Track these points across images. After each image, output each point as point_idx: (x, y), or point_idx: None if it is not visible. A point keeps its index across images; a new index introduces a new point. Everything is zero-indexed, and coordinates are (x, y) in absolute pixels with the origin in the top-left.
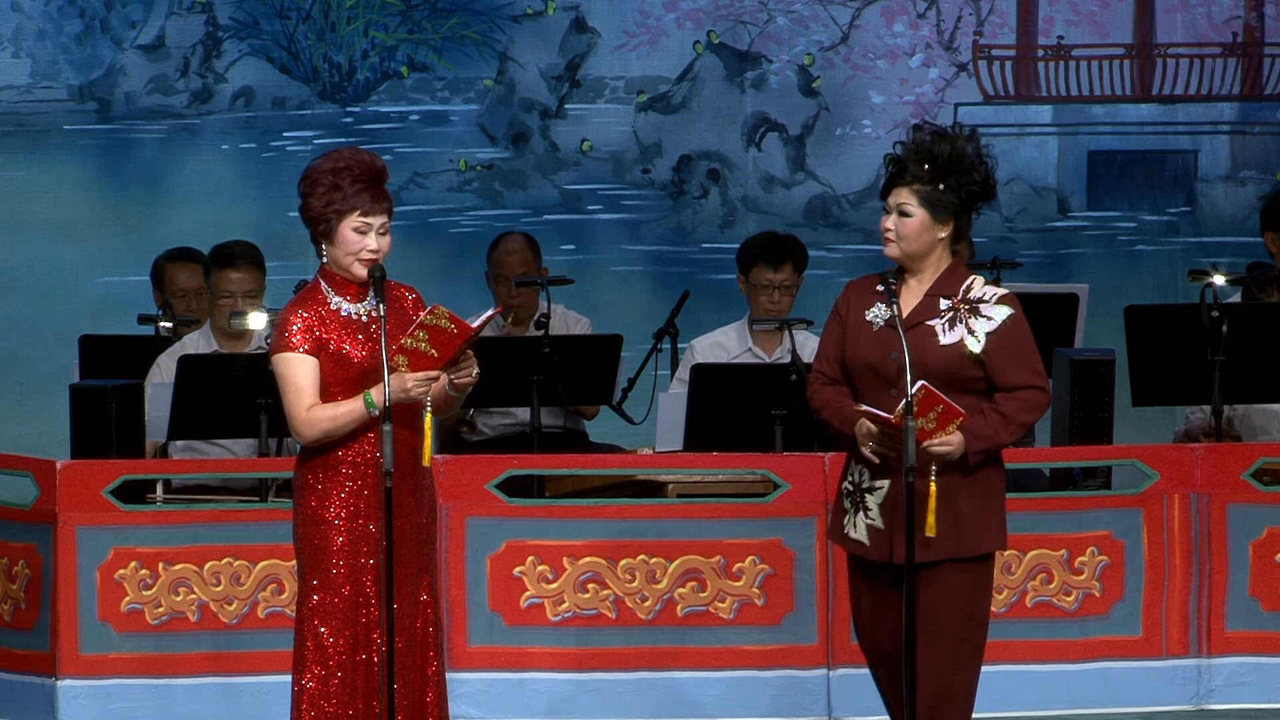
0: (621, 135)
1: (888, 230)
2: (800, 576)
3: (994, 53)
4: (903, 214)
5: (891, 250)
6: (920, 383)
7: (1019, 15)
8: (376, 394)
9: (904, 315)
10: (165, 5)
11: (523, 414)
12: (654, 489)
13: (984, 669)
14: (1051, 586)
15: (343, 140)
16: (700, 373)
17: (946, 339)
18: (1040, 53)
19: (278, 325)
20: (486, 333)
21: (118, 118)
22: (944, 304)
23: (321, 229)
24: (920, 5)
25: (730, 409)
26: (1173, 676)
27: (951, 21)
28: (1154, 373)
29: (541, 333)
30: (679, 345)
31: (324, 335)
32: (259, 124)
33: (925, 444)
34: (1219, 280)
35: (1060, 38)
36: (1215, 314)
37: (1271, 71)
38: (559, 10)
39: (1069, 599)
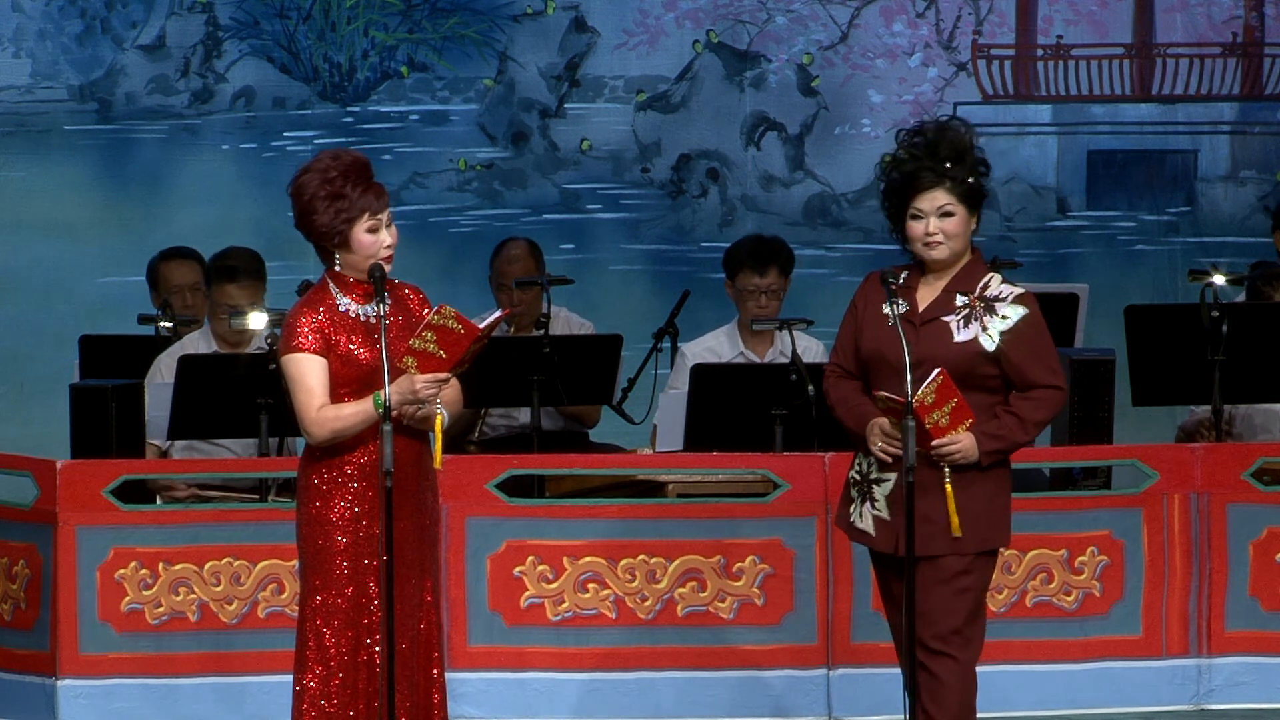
0: (621, 134)
1: (933, 235)
2: (800, 576)
3: (993, 52)
4: (945, 214)
5: (940, 253)
6: (938, 369)
7: (1018, 14)
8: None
9: (920, 310)
10: (166, 5)
11: (523, 415)
12: (654, 489)
13: (984, 669)
14: (1051, 586)
15: (343, 140)
16: (700, 373)
17: (961, 335)
18: (1039, 52)
19: (286, 327)
20: None
21: (118, 118)
22: (960, 300)
23: (336, 241)
24: (919, 4)
25: (730, 409)
26: (1173, 676)
27: (950, 21)
28: (1154, 373)
29: (542, 333)
30: (679, 345)
31: (332, 336)
32: (259, 124)
33: (935, 442)
34: (1219, 280)
35: (1059, 37)
36: (1215, 314)
37: (1271, 71)
38: (559, 10)
39: (1069, 599)
